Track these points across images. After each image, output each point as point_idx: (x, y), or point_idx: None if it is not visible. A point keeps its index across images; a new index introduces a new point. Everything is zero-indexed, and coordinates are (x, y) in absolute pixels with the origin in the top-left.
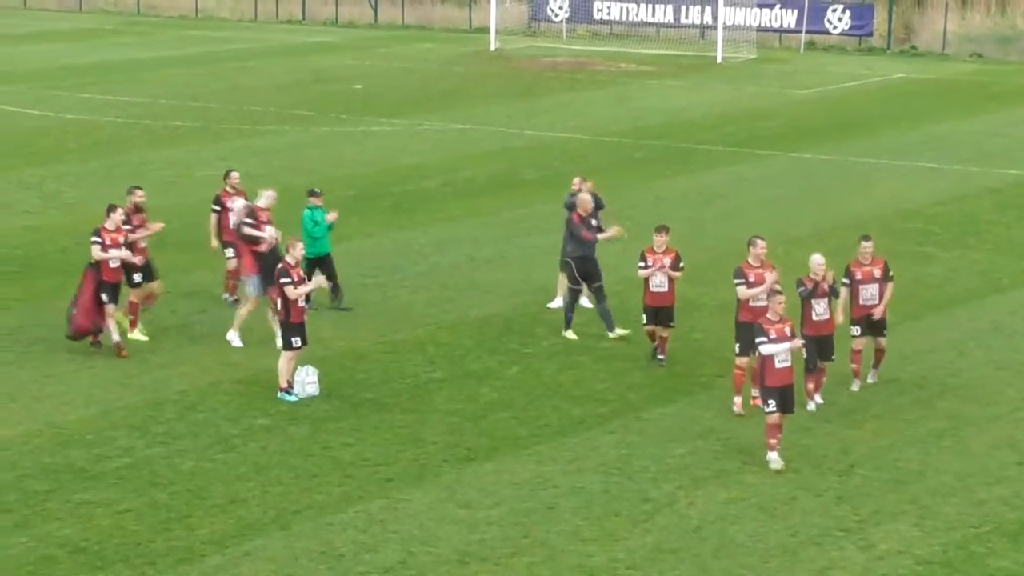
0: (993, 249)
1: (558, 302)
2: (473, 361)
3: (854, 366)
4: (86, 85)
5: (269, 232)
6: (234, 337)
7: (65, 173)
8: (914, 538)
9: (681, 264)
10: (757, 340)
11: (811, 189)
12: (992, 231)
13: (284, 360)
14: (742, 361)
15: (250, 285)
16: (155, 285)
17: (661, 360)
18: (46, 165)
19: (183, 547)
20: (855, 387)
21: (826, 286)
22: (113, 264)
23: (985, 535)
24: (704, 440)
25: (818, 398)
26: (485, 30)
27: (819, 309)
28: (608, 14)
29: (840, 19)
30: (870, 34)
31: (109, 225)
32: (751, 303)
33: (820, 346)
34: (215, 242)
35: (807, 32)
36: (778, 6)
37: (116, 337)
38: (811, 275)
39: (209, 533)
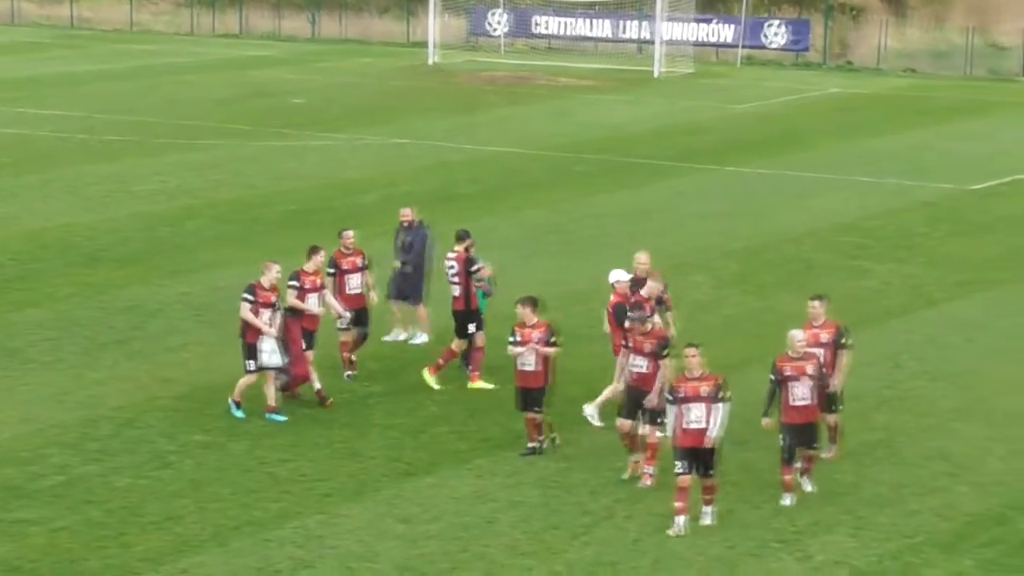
0: (926, 262)
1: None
2: (412, 375)
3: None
4: (19, 99)
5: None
6: (592, 414)
7: None
8: (850, 548)
9: (554, 339)
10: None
11: (748, 203)
12: (925, 244)
13: (244, 377)
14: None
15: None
16: (479, 336)
17: (553, 439)
18: None
19: (118, 565)
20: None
21: (808, 368)
22: (314, 311)
23: (919, 545)
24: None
25: (807, 484)
26: (424, 44)
27: (797, 392)
28: (547, 28)
29: (777, 34)
30: (807, 49)
31: (309, 267)
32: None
33: (800, 435)
34: (340, 308)
35: (744, 47)
36: (716, 21)
37: (318, 385)
38: (789, 353)
39: (145, 550)
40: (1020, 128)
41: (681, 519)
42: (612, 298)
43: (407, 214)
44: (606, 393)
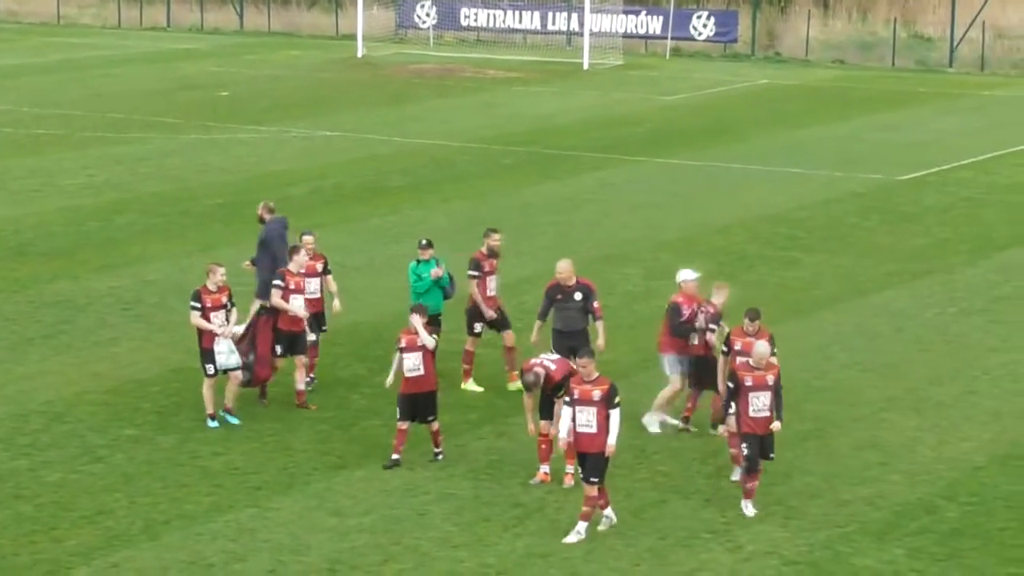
0: (857, 253)
1: None
2: (343, 368)
3: (733, 451)
4: None
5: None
6: (651, 421)
7: None
8: (780, 539)
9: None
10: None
11: (678, 194)
12: (855, 235)
13: (205, 387)
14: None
15: (665, 364)
16: (509, 335)
17: (436, 454)
18: None
19: (49, 559)
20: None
21: (770, 379)
22: (297, 313)
23: (850, 535)
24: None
25: (749, 508)
26: (352, 37)
27: (758, 403)
28: (475, 20)
29: (705, 25)
30: (735, 40)
31: (293, 267)
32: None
33: (761, 445)
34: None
35: (672, 38)
36: (643, 12)
37: (300, 386)
38: (750, 363)
39: (76, 545)
40: (947, 119)
41: (609, 511)
42: (676, 297)
43: (260, 208)
44: (665, 396)
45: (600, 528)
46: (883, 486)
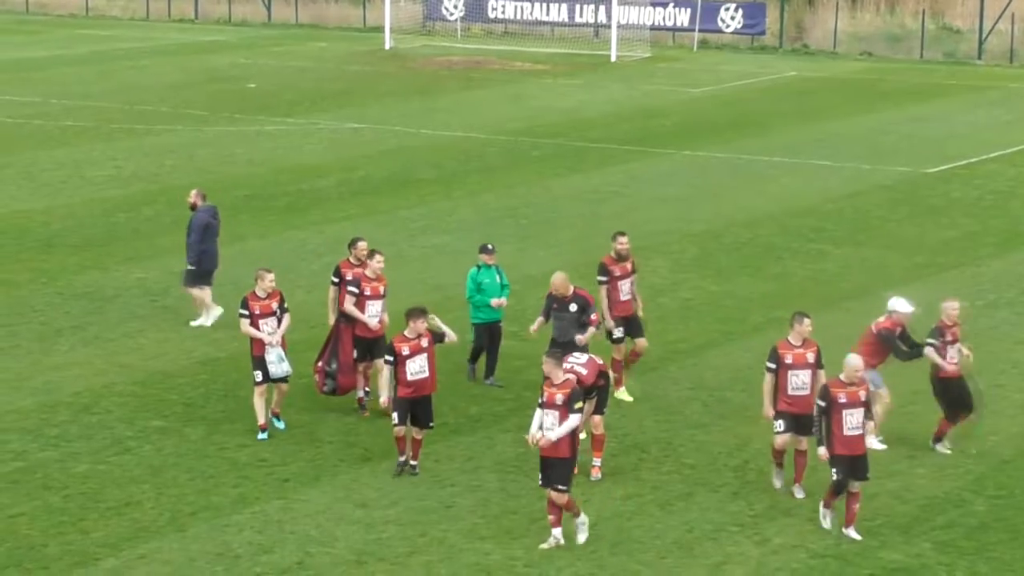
0: (884, 245)
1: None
2: None
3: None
4: None
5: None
6: (872, 442)
7: None
8: (808, 532)
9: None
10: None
11: (705, 187)
12: (883, 227)
13: (255, 396)
14: None
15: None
16: (640, 343)
17: (414, 467)
18: None
19: (77, 551)
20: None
21: (862, 394)
22: (368, 323)
23: (877, 528)
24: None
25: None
26: (379, 29)
27: (851, 421)
28: (503, 13)
29: (733, 18)
30: (763, 33)
31: (369, 273)
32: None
33: (853, 466)
34: (332, 318)
35: (700, 31)
36: (671, 5)
37: (361, 393)
38: (841, 378)
39: (103, 536)
40: (975, 111)
41: (557, 531)
42: (884, 320)
43: (192, 195)
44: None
45: (543, 546)
46: (910, 479)
